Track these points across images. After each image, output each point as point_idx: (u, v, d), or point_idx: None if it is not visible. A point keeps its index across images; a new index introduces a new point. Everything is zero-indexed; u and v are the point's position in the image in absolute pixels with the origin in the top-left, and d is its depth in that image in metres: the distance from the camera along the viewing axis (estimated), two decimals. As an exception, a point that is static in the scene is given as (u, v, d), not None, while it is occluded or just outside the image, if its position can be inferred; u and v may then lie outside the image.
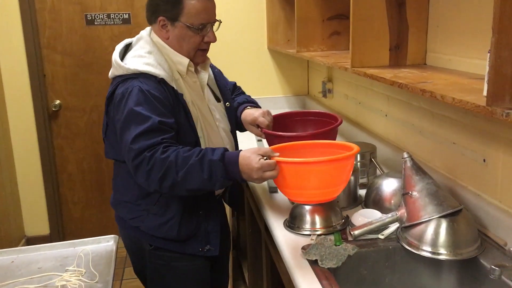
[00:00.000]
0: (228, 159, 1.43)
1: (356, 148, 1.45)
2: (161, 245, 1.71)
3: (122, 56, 1.67)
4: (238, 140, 1.95)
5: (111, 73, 1.66)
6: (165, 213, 1.66)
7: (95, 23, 3.31)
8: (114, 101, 1.58)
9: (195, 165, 1.42)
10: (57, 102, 3.38)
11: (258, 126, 1.88)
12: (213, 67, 1.93)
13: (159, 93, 1.54)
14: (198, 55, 1.70)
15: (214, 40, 1.68)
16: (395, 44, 1.81)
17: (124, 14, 3.33)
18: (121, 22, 3.34)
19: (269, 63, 3.52)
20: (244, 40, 3.43)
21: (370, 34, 1.77)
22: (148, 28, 1.72)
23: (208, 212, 1.73)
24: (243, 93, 2.14)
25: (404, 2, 1.77)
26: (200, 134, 1.68)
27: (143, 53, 1.63)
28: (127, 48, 1.72)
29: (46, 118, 3.38)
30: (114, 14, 3.32)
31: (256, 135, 1.92)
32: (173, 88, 1.60)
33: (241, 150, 1.48)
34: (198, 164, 1.42)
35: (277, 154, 1.43)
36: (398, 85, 1.44)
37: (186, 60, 1.67)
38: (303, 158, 1.46)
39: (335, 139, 1.83)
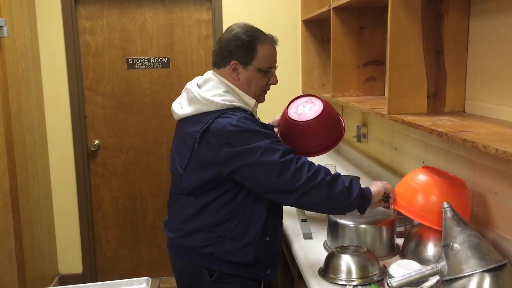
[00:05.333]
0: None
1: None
2: (230, 270, 1.75)
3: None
4: None
5: (197, 109, 1.70)
6: (243, 238, 1.72)
7: (136, 66, 3.44)
8: (216, 133, 1.62)
9: (338, 175, 1.63)
10: (96, 142, 3.48)
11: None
12: None
13: (257, 122, 1.75)
14: (261, 96, 1.85)
15: (277, 82, 1.87)
16: (433, 91, 1.80)
17: (164, 59, 3.45)
18: (160, 66, 3.45)
19: (304, 106, 3.54)
20: (279, 83, 3.46)
21: (408, 81, 1.77)
22: (210, 72, 1.82)
23: (273, 238, 1.80)
24: None
25: (442, 50, 1.77)
26: None
27: (221, 92, 1.72)
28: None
29: (85, 157, 3.47)
30: (154, 58, 3.44)
31: None
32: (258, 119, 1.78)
33: None
34: (340, 176, 1.63)
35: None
36: (438, 133, 1.42)
37: (253, 101, 1.80)
38: None
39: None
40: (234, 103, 1.69)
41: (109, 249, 3.63)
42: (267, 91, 1.87)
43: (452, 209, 1.43)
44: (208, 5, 3.44)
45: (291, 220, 2.20)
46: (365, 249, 1.62)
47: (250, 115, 1.71)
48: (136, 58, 3.43)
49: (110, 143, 3.52)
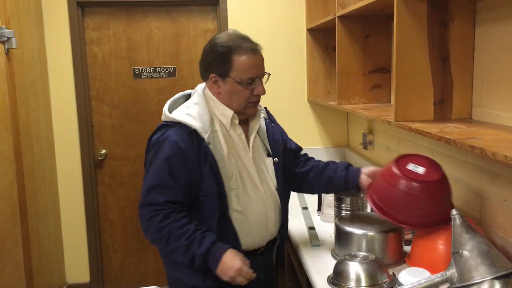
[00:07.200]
0: (213, 255, 1.59)
1: None
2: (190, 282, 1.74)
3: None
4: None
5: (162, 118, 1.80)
6: None
7: (142, 76, 3.46)
8: (149, 143, 1.75)
9: (182, 247, 1.59)
10: (103, 151, 3.50)
11: None
12: (269, 122, 1.92)
13: (186, 144, 1.65)
14: (248, 107, 1.76)
15: (263, 93, 1.75)
16: (439, 98, 1.80)
17: (170, 68, 3.47)
18: (166, 75, 3.48)
19: (309, 114, 3.55)
20: (284, 92, 3.49)
21: (414, 89, 1.77)
22: (204, 83, 1.84)
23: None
24: (312, 158, 2.06)
25: (448, 57, 1.78)
26: (234, 186, 1.71)
27: (190, 104, 1.76)
28: (187, 98, 1.87)
29: (92, 166, 3.49)
30: (160, 68, 3.47)
31: None
32: (202, 139, 1.66)
33: (229, 246, 1.62)
34: (184, 249, 1.59)
35: (254, 275, 1.60)
36: (446, 140, 1.42)
37: (230, 112, 1.74)
38: None
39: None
40: (178, 117, 1.68)
41: (116, 258, 3.64)
42: (258, 101, 1.78)
43: (461, 216, 1.43)
44: (213, 15, 3.47)
45: (298, 228, 2.20)
46: (374, 256, 1.62)
47: (190, 133, 1.65)
48: (143, 68, 3.46)
49: (117, 153, 3.53)
